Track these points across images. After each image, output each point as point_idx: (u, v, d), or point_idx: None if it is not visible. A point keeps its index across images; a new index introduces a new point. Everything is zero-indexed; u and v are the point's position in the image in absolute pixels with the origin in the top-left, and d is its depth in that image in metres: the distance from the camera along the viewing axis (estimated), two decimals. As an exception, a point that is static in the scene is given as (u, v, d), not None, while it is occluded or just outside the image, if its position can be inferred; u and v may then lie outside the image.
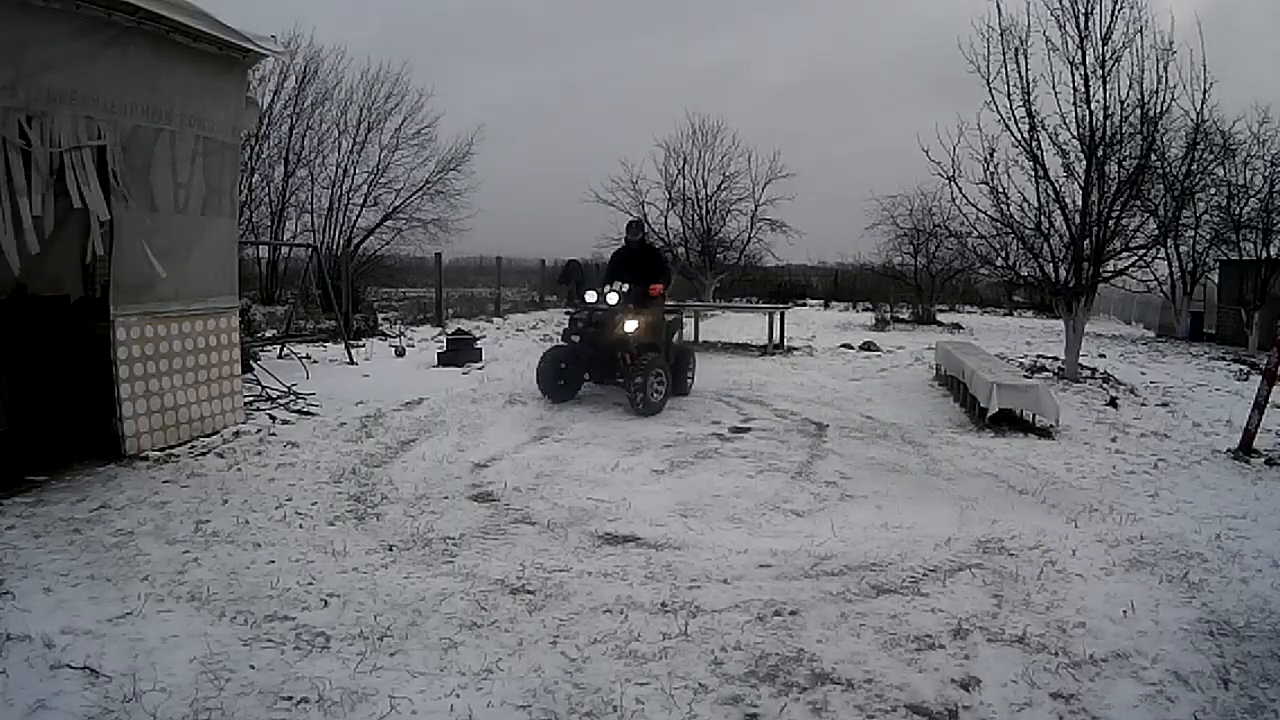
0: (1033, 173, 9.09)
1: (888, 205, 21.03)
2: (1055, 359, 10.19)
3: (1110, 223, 8.96)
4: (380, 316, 14.00)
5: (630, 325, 6.65)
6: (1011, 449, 5.81)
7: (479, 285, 22.66)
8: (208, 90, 5.13)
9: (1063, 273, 9.15)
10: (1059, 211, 9.11)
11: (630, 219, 7.65)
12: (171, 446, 4.93)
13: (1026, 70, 8.84)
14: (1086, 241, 8.98)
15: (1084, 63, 8.77)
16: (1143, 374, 10.05)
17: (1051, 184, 9.06)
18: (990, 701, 2.41)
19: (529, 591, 3.11)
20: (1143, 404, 7.81)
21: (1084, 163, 8.94)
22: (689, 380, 7.76)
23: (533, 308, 19.76)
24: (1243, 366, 11.04)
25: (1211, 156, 12.25)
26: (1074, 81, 8.84)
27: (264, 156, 17.55)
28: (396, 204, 18.89)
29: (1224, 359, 12.28)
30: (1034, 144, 8.98)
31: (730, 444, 5.76)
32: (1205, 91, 9.05)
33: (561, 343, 7.06)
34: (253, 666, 2.48)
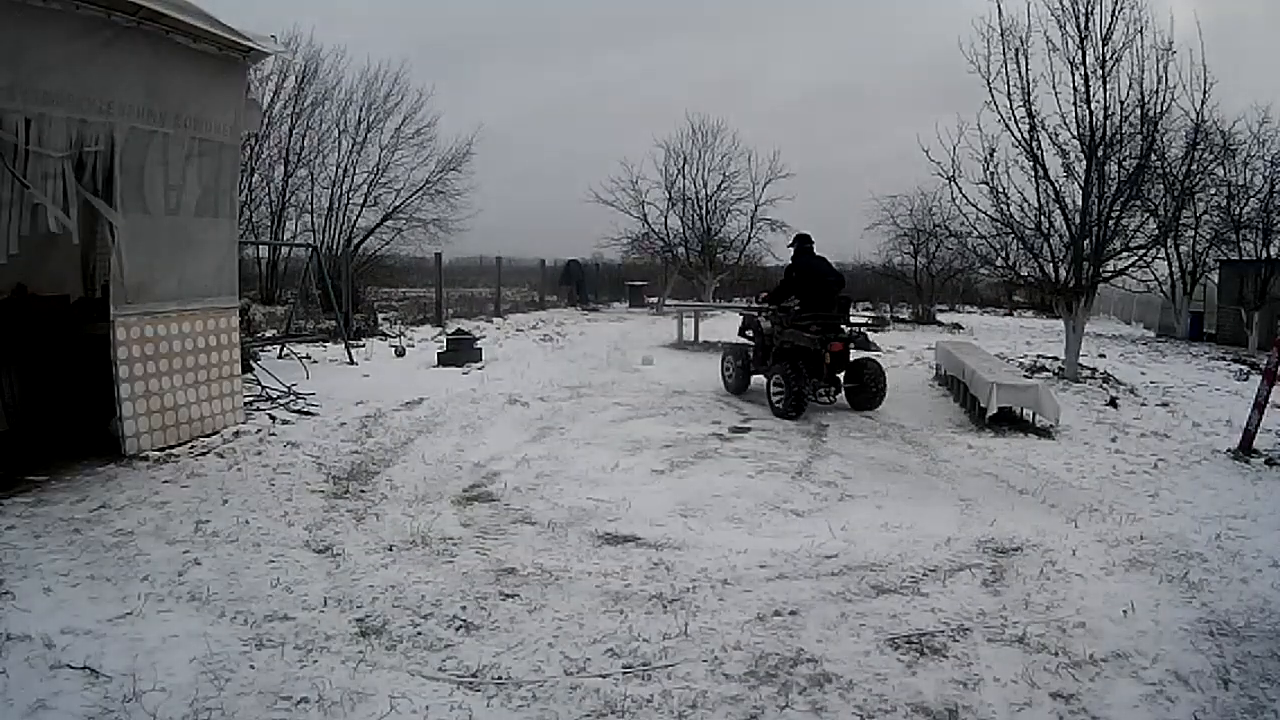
0: (1033, 173, 9.08)
1: (888, 205, 21.06)
2: (1055, 359, 10.18)
3: (1110, 223, 8.95)
4: (380, 316, 14.01)
5: None
6: (1011, 449, 5.81)
7: (479, 285, 22.66)
8: (206, 91, 5.13)
9: (1063, 273, 9.15)
10: (1059, 211, 9.11)
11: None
12: (171, 446, 4.93)
13: (1027, 70, 8.84)
14: (1086, 241, 8.98)
15: (1084, 63, 8.77)
16: (1143, 374, 10.04)
17: (1051, 184, 9.06)
18: (990, 701, 2.41)
19: (529, 591, 3.11)
20: (1143, 404, 7.80)
21: (1084, 163, 8.94)
22: None
23: (533, 308, 19.77)
24: (1243, 366, 11.03)
25: (1211, 156, 12.24)
26: (1074, 81, 8.85)
27: (264, 156, 17.53)
28: (396, 204, 18.88)
29: (1224, 359, 12.27)
30: (1034, 144, 8.98)
31: (730, 444, 5.75)
32: (1205, 92, 9.05)
33: None
34: (253, 666, 2.48)
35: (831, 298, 7.17)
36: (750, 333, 7.82)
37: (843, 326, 7.15)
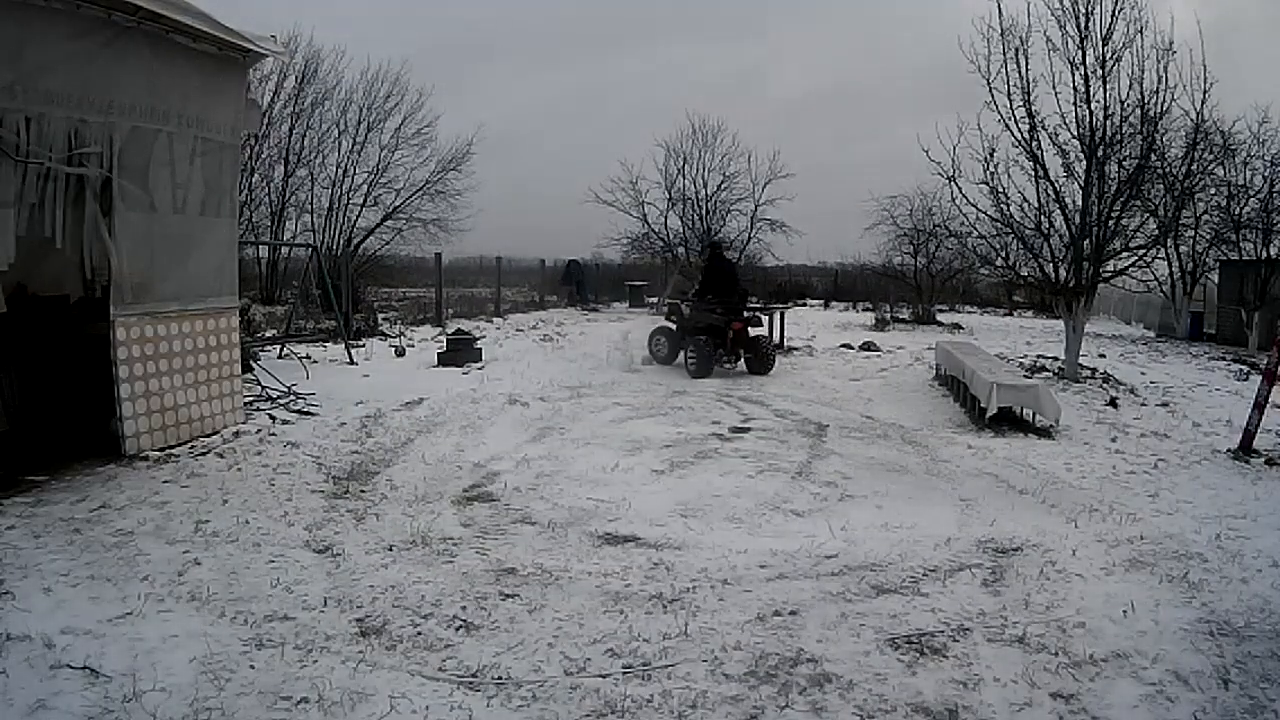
0: (1033, 173, 9.09)
1: (888, 205, 21.09)
2: (1055, 359, 10.18)
3: (1110, 223, 8.95)
4: (380, 316, 14.01)
5: None
6: (1011, 449, 5.81)
7: (479, 285, 22.67)
8: (207, 91, 5.13)
9: (1063, 273, 9.15)
10: (1059, 211, 9.11)
11: None
12: (171, 446, 4.93)
13: (1027, 70, 8.85)
14: (1086, 241, 8.98)
15: (1084, 63, 8.77)
16: (1143, 374, 10.04)
17: (1051, 184, 9.06)
18: (990, 701, 2.41)
19: (529, 591, 3.11)
20: (1143, 404, 7.80)
21: (1084, 163, 8.94)
22: None
23: (533, 308, 19.76)
24: (1243, 366, 11.04)
25: (1211, 156, 12.25)
26: (1074, 81, 8.85)
27: (264, 156, 17.55)
28: (396, 204, 18.92)
29: (1224, 359, 12.27)
30: (1034, 144, 8.98)
31: (730, 444, 5.75)
32: (1205, 92, 9.04)
33: None
34: (253, 666, 2.48)
35: (734, 290, 9.46)
36: (675, 317, 9.89)
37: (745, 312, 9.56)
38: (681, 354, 9.39)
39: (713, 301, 9.24)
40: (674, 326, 9.81)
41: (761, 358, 9.37)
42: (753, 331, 9.49)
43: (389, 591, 3.07)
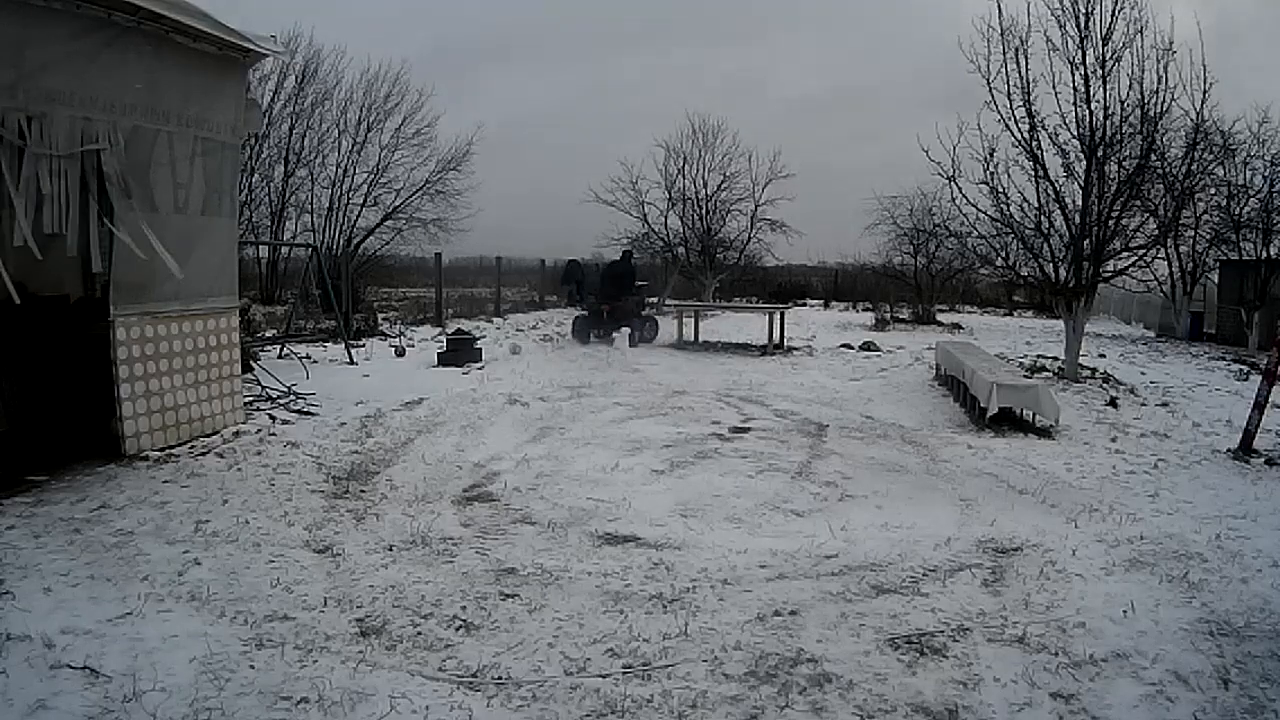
0: (1033, 173, 9.08)
1: (888, 205, 21.08)
2: (1055, 359, 10.18)
3: (1110, 223, 8.94)
4: (380, 316, 14.00)
5: None
6: (1011, 449, 5.81)
7: (479, 285, 22.65)
8: (208, 90, 5.13)
9: (1063, 273, 9.15)
10: (1059, 211, 9.10)
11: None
12: (171, 446, 4.93)
13: (1026, 70, 8.84)
14: (1086, 241, 8.97)
15: (1084, 63, 8.76)
16: (1143, 374, 10.04)
17: (1051, 184, 9.05)
18: (990, 701, 2.41)
19: (529, 591, 3.11)
20: (1143, 404, 7.80)
21: (1084, 163, 8.93)
22: None
23: (533, 308, 19.74)
24: (1243, 366, 11.03)
25: (1211, 156, 12.24)
26: (1074, 81, 8.84)
27: (264, 156, 17.56)
28: (396, 204, 18.92)
29: (1224, 359, 12.27)
30: (1034, 144, 8.97)
31: (730, 444, 5.75)
32: (1205, 92, 9.04)
33: None
34: (253, 666, 2.48)
35: (616, 285, 12.42)
36: (584, 306, 12.86)
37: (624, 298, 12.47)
38: (589, 332, 12.26)
39: (600, 293, 12.47)
40: (588, 315, 12.62)
41: (646, 334, 12.53)
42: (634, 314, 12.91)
43: (389, 591, 3.07)
